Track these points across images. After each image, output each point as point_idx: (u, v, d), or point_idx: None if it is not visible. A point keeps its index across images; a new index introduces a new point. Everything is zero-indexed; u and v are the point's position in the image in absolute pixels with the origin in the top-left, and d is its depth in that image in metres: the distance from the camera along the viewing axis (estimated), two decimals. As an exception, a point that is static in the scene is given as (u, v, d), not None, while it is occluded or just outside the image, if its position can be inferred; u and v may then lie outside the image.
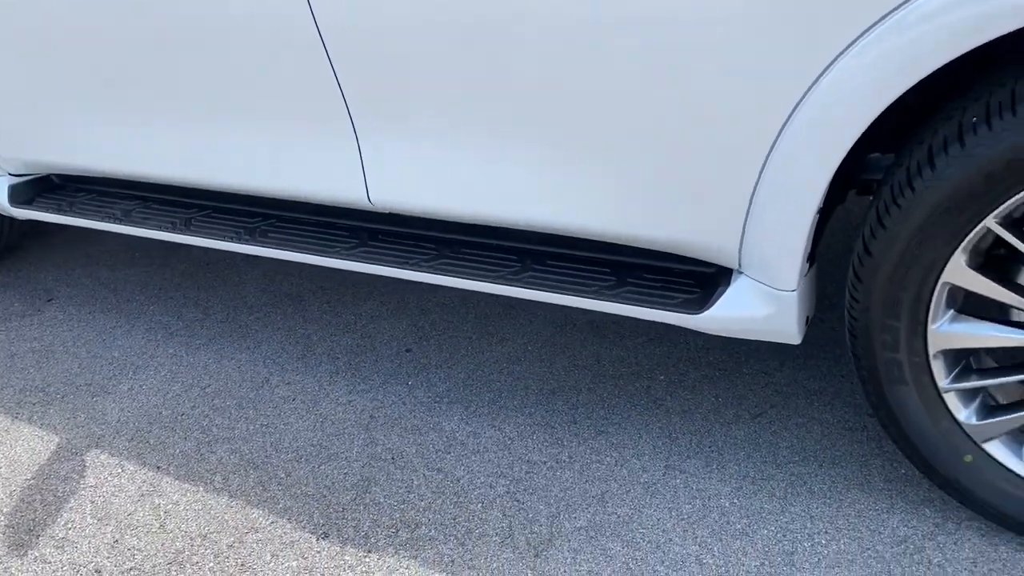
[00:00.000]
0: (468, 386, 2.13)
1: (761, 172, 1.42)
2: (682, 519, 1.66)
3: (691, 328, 1.62)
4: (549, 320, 2.38)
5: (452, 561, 1.60)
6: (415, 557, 1.62)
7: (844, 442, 1.81)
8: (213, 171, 2.07)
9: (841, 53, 1.26)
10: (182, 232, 2.20)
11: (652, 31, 1.38)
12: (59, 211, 2.44)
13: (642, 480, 1.76)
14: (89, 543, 1.74)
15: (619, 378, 2.10)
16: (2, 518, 1.82)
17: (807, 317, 1.60)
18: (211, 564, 1.65)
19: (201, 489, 1.86)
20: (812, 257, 1.62)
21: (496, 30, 1.50)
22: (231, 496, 1.83)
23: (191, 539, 1.72)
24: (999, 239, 1.33)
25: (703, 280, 1.68)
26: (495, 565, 1.59)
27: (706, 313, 1.59)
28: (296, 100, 1.82)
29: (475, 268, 1.84)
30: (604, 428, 1.93)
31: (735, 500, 1.69)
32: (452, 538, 1.65)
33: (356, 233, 2.05)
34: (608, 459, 1.83)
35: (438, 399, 2.08)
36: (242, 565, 1.64)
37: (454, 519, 1.70)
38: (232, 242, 2.12)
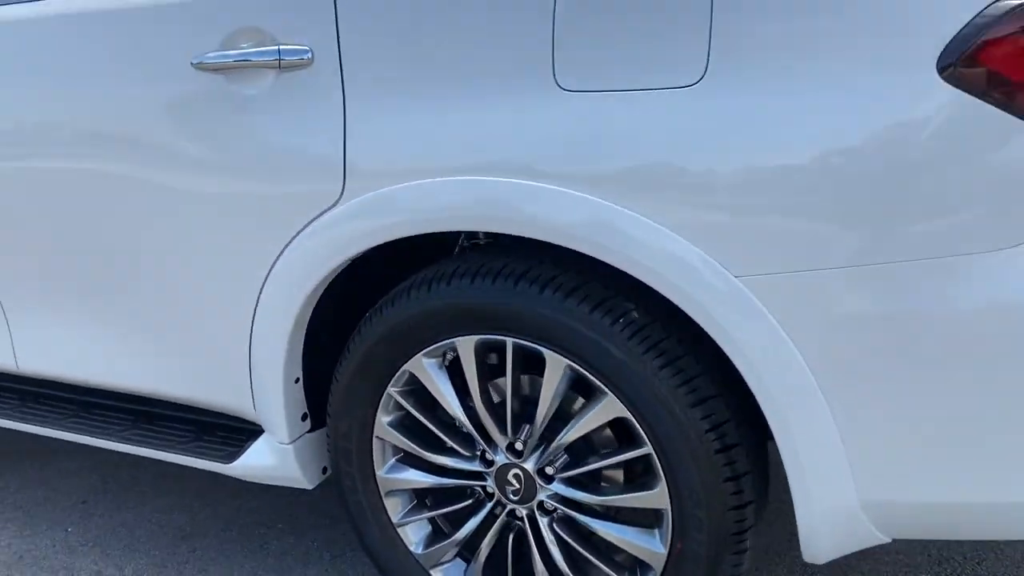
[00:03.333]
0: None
1: (250, 351, 1.85)
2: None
3: (232, 475, 1.98)
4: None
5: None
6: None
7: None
8: None
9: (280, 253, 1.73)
10: None
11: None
12: None
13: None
14: None
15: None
16: None
17: (324, 467, 1.98)
18: None
19: None
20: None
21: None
22: None
23: None
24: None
25: (253, 435, 2.06)
26: None
27: (236, 462, 1.97)
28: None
29: (97, 426, 2.20)
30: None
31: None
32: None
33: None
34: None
35: (84, 544, 2.38)
36: None
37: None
38: None
